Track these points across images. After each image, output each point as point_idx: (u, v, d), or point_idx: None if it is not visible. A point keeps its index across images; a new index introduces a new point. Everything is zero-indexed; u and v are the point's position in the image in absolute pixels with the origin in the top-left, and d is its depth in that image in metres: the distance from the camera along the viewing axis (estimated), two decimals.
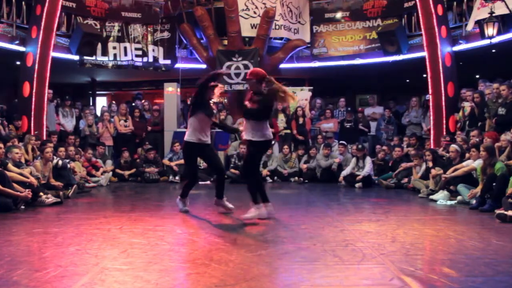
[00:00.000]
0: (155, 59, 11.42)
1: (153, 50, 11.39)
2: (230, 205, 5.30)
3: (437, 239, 4.04)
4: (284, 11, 11.17)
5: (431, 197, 6.64)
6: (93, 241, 3.88)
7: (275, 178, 9.44)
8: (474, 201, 5.75)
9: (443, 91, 9.04)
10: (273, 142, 8.72)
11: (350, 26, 11.24)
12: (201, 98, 5.05)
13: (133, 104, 11.76)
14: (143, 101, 11.88)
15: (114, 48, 11.10)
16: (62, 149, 7.70)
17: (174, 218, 5.11)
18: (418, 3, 9.32)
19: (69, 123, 10.20)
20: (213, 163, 5.37)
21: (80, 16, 10.63)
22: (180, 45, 11.68)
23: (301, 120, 10.16)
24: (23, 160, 6.78)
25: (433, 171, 7.00)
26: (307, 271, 3.08)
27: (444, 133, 8.82)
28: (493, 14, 8.12)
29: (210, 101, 5.12)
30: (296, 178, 9.43)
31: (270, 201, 5.00)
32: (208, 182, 8.88)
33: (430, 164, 7.32)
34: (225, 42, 11.02)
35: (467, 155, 6.81)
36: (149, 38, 11.38)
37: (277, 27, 11.02)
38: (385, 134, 10.51)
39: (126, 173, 9.41)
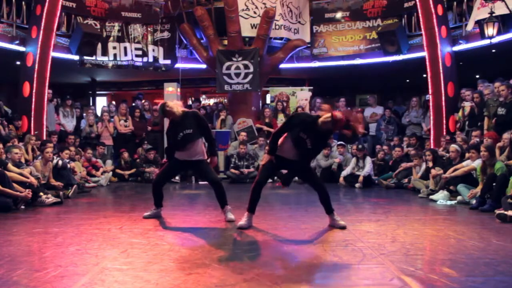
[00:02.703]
0: (155, 59, 11.41)
1: (153, 50, 11.39)
2: (231, 216, 4.89)
3: (437, 239, 4.04)
4: (284, 11, 11.16)
5: (431, 197, 6.64)
6: (93, 241, 3.88)
7: (275, 178, 9.43)
8: (474, 201, 5.75)
9: (443, 91, 9.04)
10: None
11: (350, 26, 11.24)
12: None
13: (133, 104, 11.77)
14: (143, 101, 11.88)
15: (114, 48, 11.10)
16: (67, 151, 7.75)
17: (174, 218, 5.11)
18: (418, 3, 9.32)
19: (69, 123, 10.21)
20: (207, 179, 5.13)
21: (80, 16, 10.62)
22: (180, 45, 11.68)
23: None
24: (23, 160, 6.79)
25: (433, 171, 6.99)
26: (307, 271, 3.08)
27: (444, 133, 8.82)
28: (493, 14, 8.12)
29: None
30: (296, 178, 9.41)
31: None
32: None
33: (430, 164, 7.32)
34: (225, 42, 11.01)
35: (467, 155, 6.81)
36: (149, 38, 11.38)
37: (277, 27, 11.02)
38: (385, 134, 10.52)
39: (126, 173, 9.42)
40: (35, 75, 9.00)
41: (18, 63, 9.55)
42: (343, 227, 4.42)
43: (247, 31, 10.92)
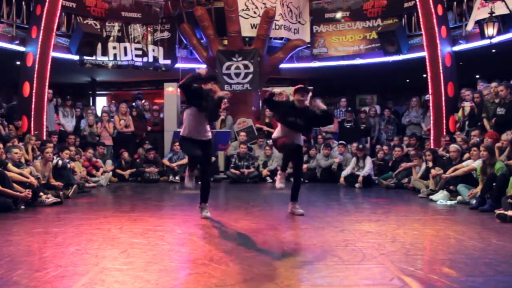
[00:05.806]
0: (155, 59, 11.41)
1: (153, 50, 11.38)
2: (205, 213, 5.01)
3: (437, 239, 4.04)
4: (284, 11, 11.16)
5: (431, 197, 6.64)
6: (93, 241, 3.88)
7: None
8: (474, 201, 5.75)
9: (443, 91, 9.03)
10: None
11: (350, 26, 11.23)
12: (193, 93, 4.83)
13: (133, 104, 11.76)
14: (143, 101, 11.88)
15: (114, 48, 11.09)
16: (67, 151, 7.76)
17: (174, 218, 5.11)
18: (418, 3, 9.31)
19: (69, 123, 10.21)
20: (201, 171, 5.20)
21: (80, 16, 10.62)
22: (180, 45, 11.67)
23: None
24: (23, 160, 6.78)
25: (433, 171, 6.99)
26: (307, 271, 3.08)
27: (444, 133, 8.82)
28: (493, 14, 8.11)
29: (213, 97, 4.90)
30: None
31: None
32: None
33: (430, 164, 7.32)
34: (225, 42, 11.01)
35: (466, 155, 6.81)
36: (149, 38, 11.37)
37: (277, 27, 11.02)
38: (385, 134, 10.51)
39: (126, 173, 9.41)
40: (35, 75, 8.98)
41: (18, 63, 9.54)
42: (301, 215, 5.08)
43: (247, 31, 10.92)
